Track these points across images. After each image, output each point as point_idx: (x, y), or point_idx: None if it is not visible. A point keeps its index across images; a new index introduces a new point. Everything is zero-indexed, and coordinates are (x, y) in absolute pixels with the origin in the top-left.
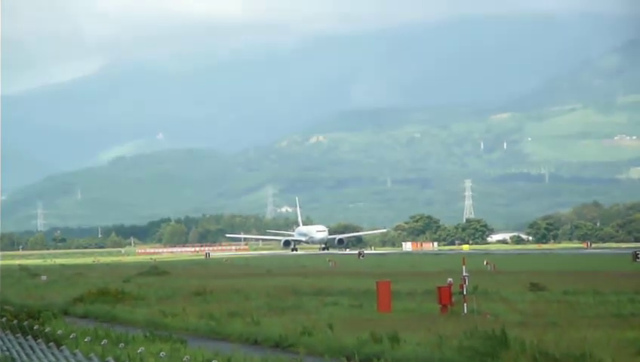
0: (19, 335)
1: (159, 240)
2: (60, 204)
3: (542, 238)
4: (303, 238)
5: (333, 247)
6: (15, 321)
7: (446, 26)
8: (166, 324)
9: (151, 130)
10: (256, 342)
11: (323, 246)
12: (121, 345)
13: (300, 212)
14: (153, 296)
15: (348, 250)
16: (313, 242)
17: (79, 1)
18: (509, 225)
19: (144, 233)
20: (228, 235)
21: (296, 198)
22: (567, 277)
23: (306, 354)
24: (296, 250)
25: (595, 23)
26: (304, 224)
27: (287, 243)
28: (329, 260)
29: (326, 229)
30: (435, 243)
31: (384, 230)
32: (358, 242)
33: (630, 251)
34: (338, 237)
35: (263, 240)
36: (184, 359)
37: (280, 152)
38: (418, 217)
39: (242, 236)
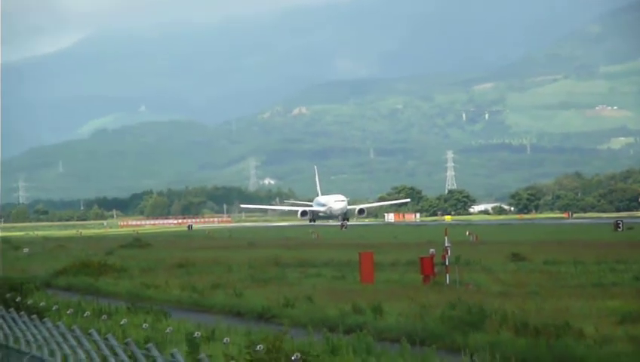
0: (1, 307)
1: (142, 213)
2: (42, 177)
3: (523, 209)
4: (322, 209)
5: (353, 217)
6: None
7: None
8: (149, 296)
9: (133, 102)
10: (239, 314)
11: (342, 217)
12: (104, 316)
13: (319, 181)
14: (136, 268)
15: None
16: (332, 212)
17: None
18: (491, 196)
19: (126, 205)
20: (243, 205)
21: (315, 167)
22: (548, 247)
23: (289, 325)
24: (315, 221)
25: None
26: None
27: (304, 214)
28: (312, 232)
29: (345, 199)
30: (418, 215)
31: (407, 200)
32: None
33: (611, 221)
34: (358, 207)
35: (282, 211)
36: (167, 330)
37: (262, 124)
38: (400, 188)
39: (258, 206)
